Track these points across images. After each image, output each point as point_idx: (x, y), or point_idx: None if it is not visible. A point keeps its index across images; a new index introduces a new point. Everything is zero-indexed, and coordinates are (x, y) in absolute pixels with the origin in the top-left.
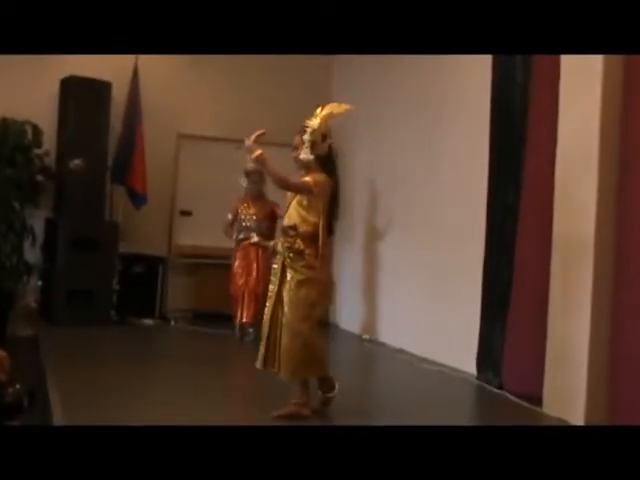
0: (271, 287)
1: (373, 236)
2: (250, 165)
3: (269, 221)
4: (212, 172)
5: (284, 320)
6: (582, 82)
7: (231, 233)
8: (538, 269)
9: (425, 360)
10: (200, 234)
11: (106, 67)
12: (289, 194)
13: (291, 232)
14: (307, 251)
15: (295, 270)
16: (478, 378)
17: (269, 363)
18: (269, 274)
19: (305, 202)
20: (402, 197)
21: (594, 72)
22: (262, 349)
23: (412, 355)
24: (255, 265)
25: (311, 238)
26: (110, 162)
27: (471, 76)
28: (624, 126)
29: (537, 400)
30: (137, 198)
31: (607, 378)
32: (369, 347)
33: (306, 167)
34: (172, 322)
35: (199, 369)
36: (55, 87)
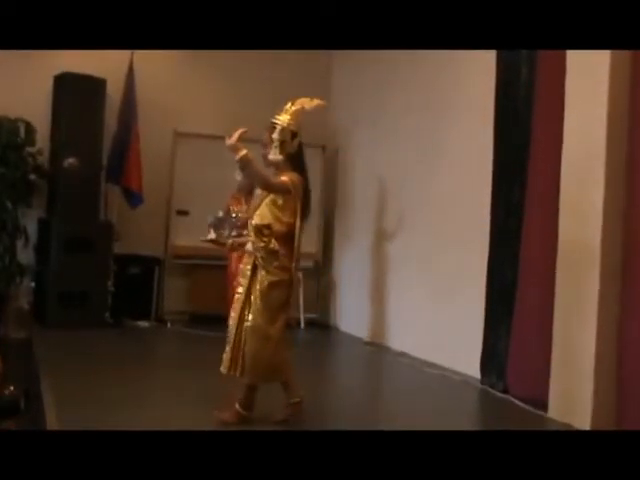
0: (240, 289)
1: (374, 237)
2: None
3: None
4: (209, 171)
5: (251, 323)
6: (589, 78)
7: (220, 233)
8: (544, 270)
9: (428, 363)
10: (197, 234)
11: (101, 63)
12: (258, 191)
13: (265, 231)
14: (281, 251)
15: (268, 271)
16: (482, 382)
17: (232, 367)
18: None
19: (280, 202)
20: (404, 197)
21: (601, 68)
22: (228, 353)
23: (415, 358)
24: None
25: (285, 238)
26: (105, 161)
27: (475, 73)
28: (632, 123)
29: (542, 404)
30: (132, 197)
31: (614, 382)
32: (370, 350)
33: (276, 166)
34: (168, 324)
35: (196, 373)
36: (49, 84)
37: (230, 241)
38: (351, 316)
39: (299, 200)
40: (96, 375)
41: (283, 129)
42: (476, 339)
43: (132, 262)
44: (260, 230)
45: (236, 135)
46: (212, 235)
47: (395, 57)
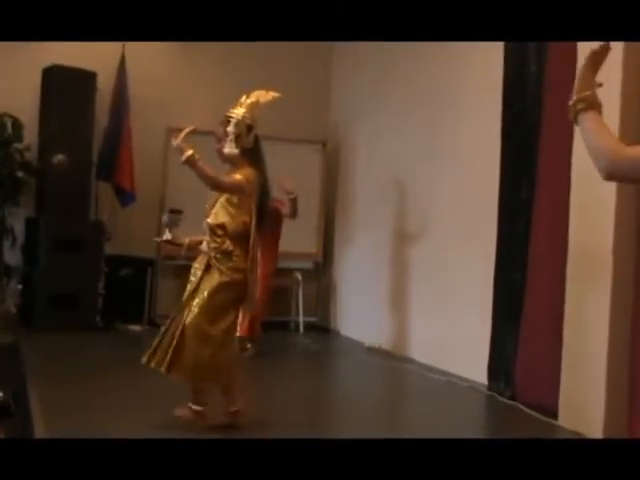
0: (189, 287)
1: (376, 236)
2: None
3: (271, 220)
4: None
5: (191, 321)
6: (601, 71)
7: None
8: (553, 271)
9: (433, 369)
10: (191, 234)
11: (91, 56)
12: (214, 191)
13: (219, 231)
14: (236, 252)
15: (221, 272)
16: (489, 388)
17: (155, 359)
18: (263, 279)
19: (235, 200)
20: (406, 195)
21: (614, 60)
22: (155, 342)
23: (419, 364)
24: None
25: (240, 238)
26: (95, 157)
27: (481, 66)
28: None
29: (552, 412)
30: (124, 196)
31: (627, 389)
32: (373, 355)
33: (231, 161)
34: (161, 328)
35: None
36: (36, 77)
37: (187, 241)
38: (352, 320)
39: (254, 198)
40: (86, 381)
41: (238, 122)
42: (483, 344)
43: (124, 263)
44: (214, 230)
45: (182, 135)
46: (168, 235)
47: (397, 50)
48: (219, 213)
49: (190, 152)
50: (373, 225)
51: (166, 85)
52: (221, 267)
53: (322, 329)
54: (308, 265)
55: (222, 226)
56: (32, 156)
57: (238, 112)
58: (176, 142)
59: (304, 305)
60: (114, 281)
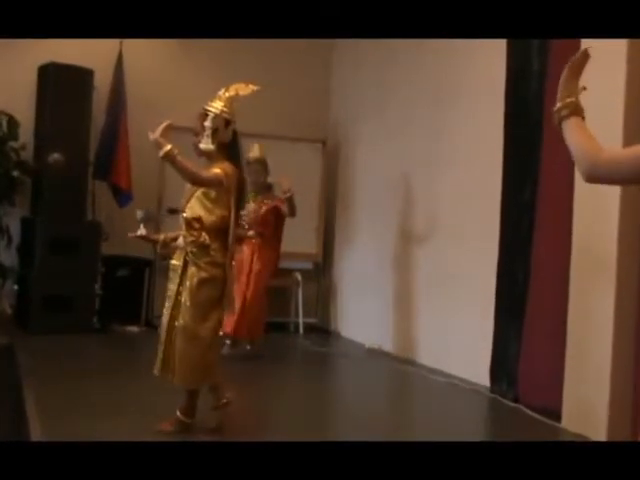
0: (170, 286)
1: (377, 236)
2: (252, 154)
3: (272, 219)
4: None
5: (181, 323)
6: (604, 69)
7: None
8: (557, 271)
9: (435, 371)
10: None
11: (88, 53)
12: (189, 185)
13: (195, 224)
14: (213, 246)
15: (198, 267)
16: (492, 390)
17: (165, 368)
18: (263, 278)
19: (213, 194)
20: (409, 193)
21: (618, 58)
22: (160, 354)
23: (421, 366)
24: (248, 266)
25: (218, 232)
26: (92, 157)
27: (484, 63)
28: None
29: (556, 414)
30: (121, 196)
31: (631, 391)
32: (374, 357)
33: (208, 156)
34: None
35: None
36: (32, 75)
37: (162, 237)
38: (353, 321)
39: (233, 192)
40: (83, 383)
41: (216, 116)
42: (485, 345)
43: (121, 264)
44: (190, 223)
45: (160, 129)
46: (142, 231)
47: (398, 47)
48: (195, 207)
49: (169, 147)
50: (374, 225)
51: (164, 83)
52: (198, 262)
53: (322, 330)
54: (308, 265)
55: (198, 219)
56: (28, 155)
57: (216, 106)
58: (154, 136)
59: (304, 306)
60: (111, 282)
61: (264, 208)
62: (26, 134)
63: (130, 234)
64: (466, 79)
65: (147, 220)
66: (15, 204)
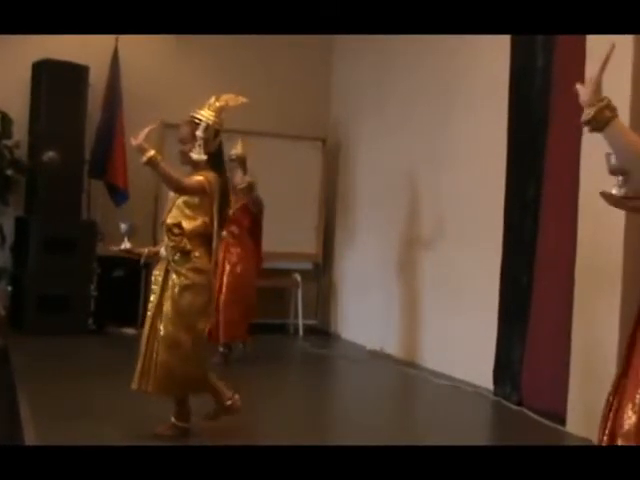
0: (151, 297)
1: (377, 236)
2: (234, 151)
3: (242, 217)
4: None
5: (162, 332)
6: (610, 66)
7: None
8: (561, 272)
9: (438, 374)
10: None
11: (83, 49)
12: (171, 194)
13: (176, 230)
14: (196, 252)
15: (179, 274)
16: (495, 393)
17: (144, 382)
18: (237, 278)
19: (196, 201)
20: (410, 192)
21: (624, 54)
22: (138, 366)
23: (424, 369)
24: (221, 267)
25: (200, 238)
26: (88, 155)
27: (487, 60)
28: None
29: (560, 418)
30: (117, 194)
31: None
32: (375, 359)
33: (194, 165)
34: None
35: None
36: (27, 71)
37: (146, 250)
38: (353, 323)
39: (216, 199)
40: (77, 385)
41: (208, 127)
42: (489, 348)
43: (117, 264)
44: (171, 229)
45: (142, 135)
46: (126, 244)
47: (399, 44)
48: (175, 214)
49: (152, 152)
50: (374, 225)
51: (161, 79)
52: (179, 269)
53: (322, 332)
54: (307, 266)
55: (178, 224)
56: (22, 153)
57: (207, 115)
58: (136, 142)
59: (303, 307)
60: (107, 282)
61: (234, 207)
62: (20, 132)
63: (113, 247)
64: (469, 76)
65: (131, 233)
66: (9, 203)
